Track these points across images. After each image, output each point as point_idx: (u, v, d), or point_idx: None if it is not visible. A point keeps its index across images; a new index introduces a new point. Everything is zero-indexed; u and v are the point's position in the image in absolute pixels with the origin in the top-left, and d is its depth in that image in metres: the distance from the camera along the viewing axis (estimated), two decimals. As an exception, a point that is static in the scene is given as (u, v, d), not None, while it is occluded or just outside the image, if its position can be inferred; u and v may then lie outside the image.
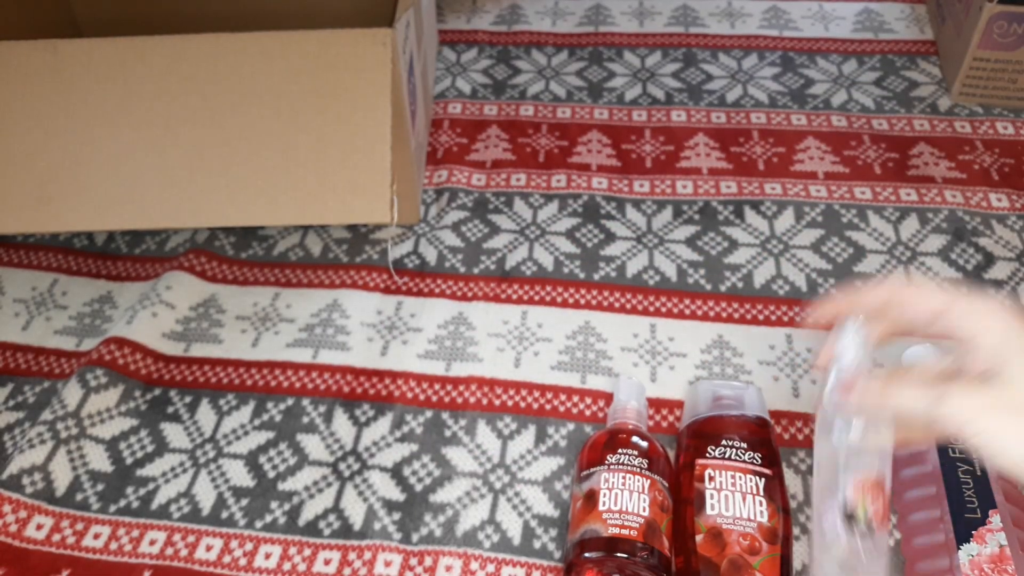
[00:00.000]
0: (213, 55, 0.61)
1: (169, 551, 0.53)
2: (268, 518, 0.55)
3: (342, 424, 0.60)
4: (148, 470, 0.58)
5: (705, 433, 0.53)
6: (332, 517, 0.55)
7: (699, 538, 0.48)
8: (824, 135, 0.78)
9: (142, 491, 0.57)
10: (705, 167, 0.76)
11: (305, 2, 0.82)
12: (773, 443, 0.52)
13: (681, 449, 0.54)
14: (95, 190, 0.60)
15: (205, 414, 0.61)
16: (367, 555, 0.53)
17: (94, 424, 0.60)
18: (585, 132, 0.80)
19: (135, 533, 0.54)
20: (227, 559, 0.53)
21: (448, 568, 0.52)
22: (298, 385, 0.62)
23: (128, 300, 0.68)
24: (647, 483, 0.49)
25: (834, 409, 0.42)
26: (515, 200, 0.74)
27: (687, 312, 0.65)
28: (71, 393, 0.60)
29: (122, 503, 0.56)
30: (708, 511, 0.49)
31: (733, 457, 0.51)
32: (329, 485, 0.57)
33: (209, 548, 0.54)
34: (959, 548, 0.46)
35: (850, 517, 0.41)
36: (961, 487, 0.48)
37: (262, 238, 0.72)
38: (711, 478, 0.50)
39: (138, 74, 0.61)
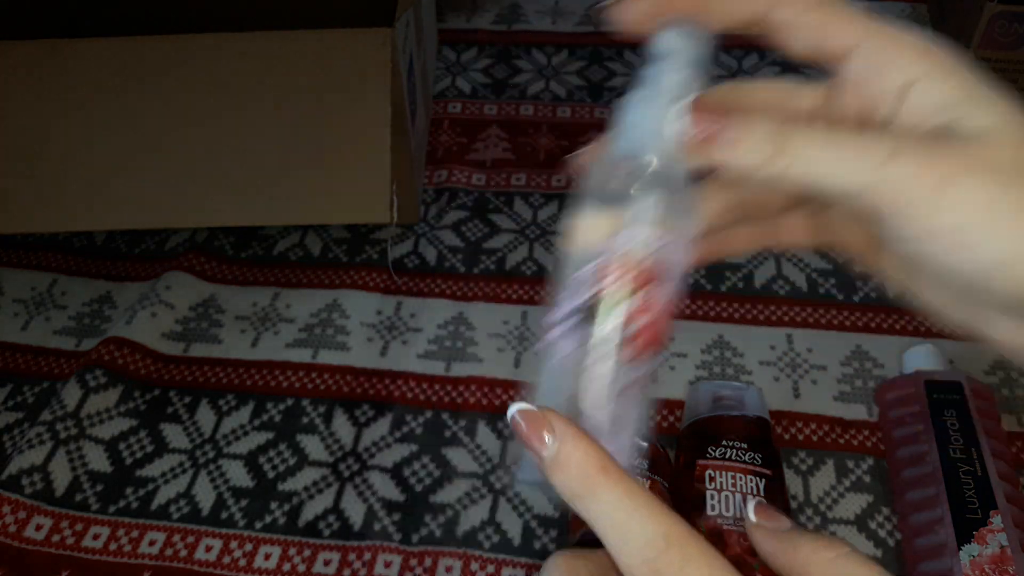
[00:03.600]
0: (213, 55, 0.61)
1: (168, 552, 0.53)
2: (268, 519, 0.55)
3: (342, 424, 0.59)
4: (147, 470, 0.58)
5: (705, 434, 0.53)
6: (332, 518, 0.55)
7: None
8: (824, 135, 0.78)
9: (141, 491, 0.57)
10: (705, 167, 0.76)
11: (305, 2, 0.82)
12: (773, 444, 0.52)
13: (681, 450, 0.54)
14: (95, 190, 0.60)
15: (205, 414, 0.61)
16: (367, 556, 0.53)
17: (93, 424, 0.59)
18: (585, 132, 0.80)
19: (135, 534, 0.54)
20: (227, 560, 0.53)
21: (448, 569, 0.52)
22: (298, 385, 0.62)
23: (127, 300, 0.68)
24: (647, 483, 0.49)
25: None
26: (515, 200, 0.74)
27: (688, 312, 0.65)
28: (70, 393, 0.60)
29: (121, 503, 0.56)
30: (708, 512, 0.49)
31: (733, 458, 0.50)
32: (329, 485, 0.56)
33: (209, 549, 0.54)
34: (960, 549, 0.46)
35: (590, 311, 0.24)
36: (962, 487, 0.48)
37: (262, 238, 0.72)
38: (711, 479, 0.50)
39: (138, 74, 0.61)
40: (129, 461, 0.58)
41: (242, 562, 0.53)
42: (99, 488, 0.57)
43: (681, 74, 0.25)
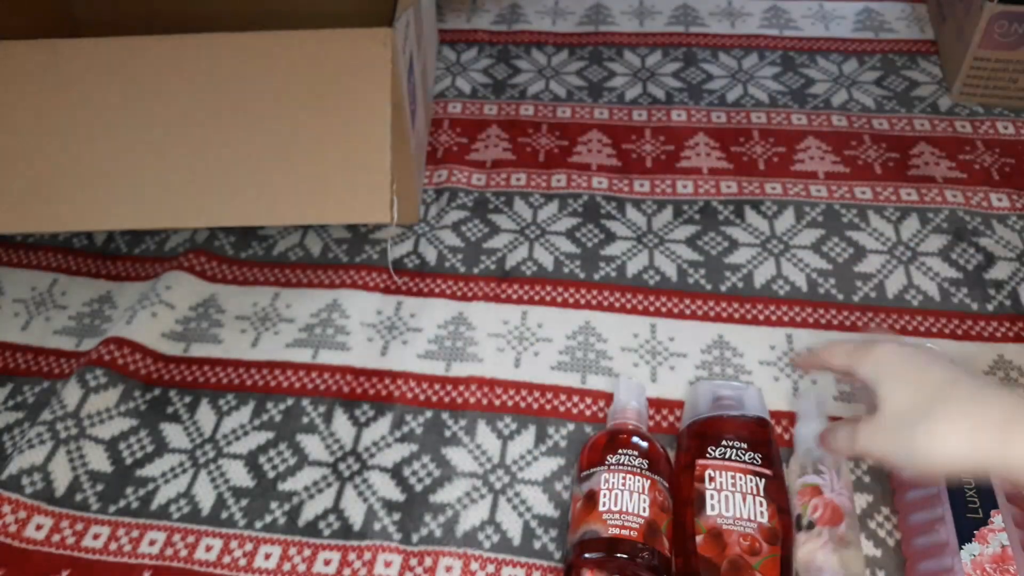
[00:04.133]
0: (213, 55, 0.61)
1: (169, 551, 0.53)
2: (268, 518, 0.55)
3: (342, 424, 0.59)
4: (148, 470, 0.58)
5: (705, 433, 0.53)
6: (332, 517, 0.55)
7: (699, 539, 0.48)
8: (824, 135, 0.78)
9: (142, 491, 0.57)
10: (705, 167, 0.76)
11: (305, 2, 0.82)
12: (773, 443, 0.52)
13: (681, 449, 0.54)
14: (95, 190, 0.60)
15: (205, 414, 0.61)
16: (367, 555, 0.53)
17: (93, 424, 0.59)
18: (585, 132, 0.80)
19: (135, 533, 0.54)
20: (227, 559, 0.53)
21: (448, 568, 0.52)
22: (298, 385, 0.62)
23: (128, 300, 0.68)
24: (647, 483, 0.49)
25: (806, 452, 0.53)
26: (515, 200, 0.74)
27: (687, 312, 0.65)
28: (70, 393, 0.60)
29: (122, 503, 0.56)
30: (708, 511, 0.48)
31: (733, 457, 0.50)
32: (329, 485, 0.56)
33: (209, 548, 0.54)
34: (961, 548, 0.46)
35: (798, 518, 0.50)
36: (963, 487, 0.48)
37: (262, 238, 0.72)
38: (711, 478, 0.50)
39: (138, 74, 0.61)
40: (129, 461, 0.58)
41: (242, 562, 0.53)
42: (99, 488, 0.57)
43: (818, 407, 0.56)
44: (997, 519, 0.46)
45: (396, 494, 0.56)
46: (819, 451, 0.52)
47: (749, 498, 0.49)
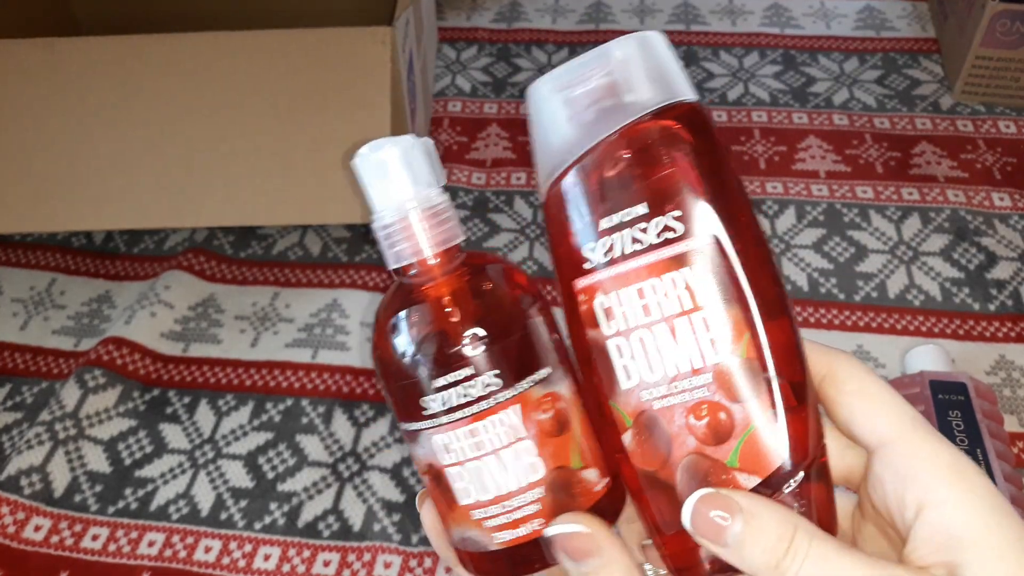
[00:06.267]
0: (212, 54, 0.61)
1: (168, 552, 0.53)
2: (267, 519, 0.55)
3: (341, 425, 0.59)
4: (147, 471, 0.57)
5: (568, 207, 0.27)
6: (331, 518, 0.55)
7: (627, 438, 0.26)
8: (826, 134, 0.78)
9: (141, 492, 0.56)
10: (706, 166, 0.76)
11: (305, 1, 0.81)
12: (705, 170, 0.25)
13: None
14: (93, 189, 0.60)
15: (204, 415, 0.60)
16: (366, 556, 0.53)
17: (92, 425, 0.59)
18: (586, 131, 0.80)
19: (134, 534, 0.54)
20: (226, 560, 0.53)
21: (448, 569, 0.52)
22: (297, 385, 0.62)
23: (127, 300, 0.68)
24: (515, 418, 0.26)
25: None
26: (515, 199, 0.74)
27: (688, 312, 0.65)
28: (69, 394, 0.60)
29: (121, 504, 0.56)
30: (623, 383, 0.26)
31: (628, 249, 0.25)
32: (328, 486, 0.56)
33: (208, 549, 0.53)
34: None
35: None
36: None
37: (261, 237, 0.72)
38: (608, 312, 0.26)
39: (137, 73, 0.61)
40: (128, 461, 0.58)
41: (241, 563, 0.53)
42: (98, 489, 0.57)
43: None
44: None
45: (396, 495, 0.56)
46: None
47: (683, 322, 0.25)
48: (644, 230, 0.25)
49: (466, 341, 0.26)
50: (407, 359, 0.27)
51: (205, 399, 0.61)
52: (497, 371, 0.26)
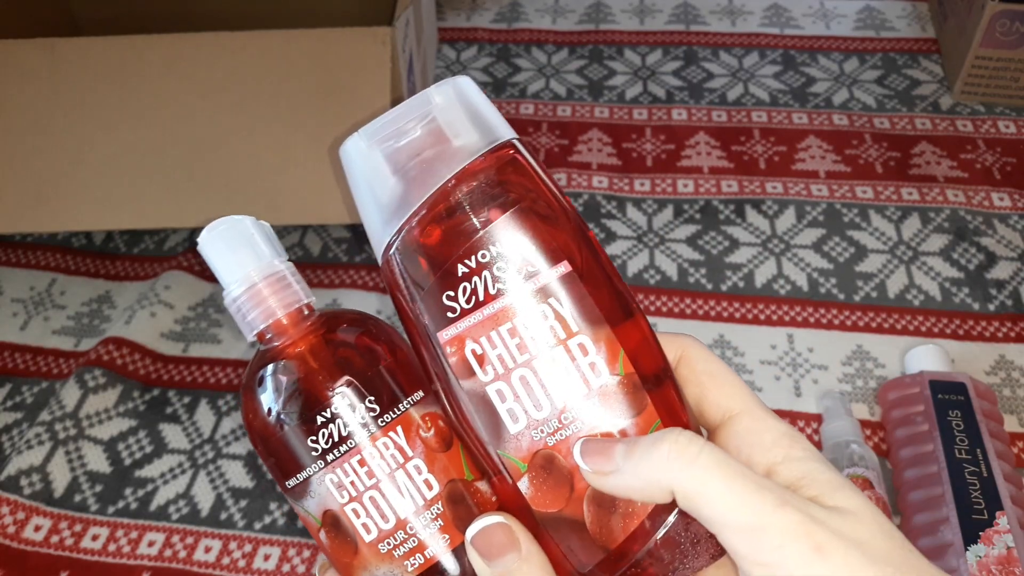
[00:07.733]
0: (212, 54, 0.61)
1: (168, 552, 0.53)
2: (267, 519, 0.55)
3: (342, 425, 0.59)
4: (147, 471, 0.57)
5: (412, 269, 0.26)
6: (332, 518, 0.55)
7: (524, 484, 0.25)
8: (825, 134, 0.78)
9: (141, 492, 0.56)
10: (706, 166, 0.76)
11: (305, 1, 0.81)
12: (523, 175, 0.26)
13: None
14: (93, 189, 0.60)
15: (204, 415, 0.60)
16: (367, 556, 0.53)
17: (92, 425, 0.59)
18: (585, 131, 0.80)
19: (134, 534, 0.54)
20: (226, 560, 0.53)
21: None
22: (298, 385, 0.62)
23: (127, 300, 0.68)
24: (400, 439, 0.27)
25: None
26: (515, 199, 0.74)
27: (688, 312, 0.65)
28: (69, 394, 0.60)
29: (121, 504, 0.56)
30: (510, 428, 0.25)
31: (492, 290, 0.25)
32: (329, 486, 0.56)
33: (208, 549, 0.53)
34: (967, 549, 0.45)
35: None
36: (968, 488, 0.48)
37: (261, 237, 0.72)
38: (480, 358, 0.25)
39: (137, 73, 0.61)
40: (128, 461, 0.58)
41: (241, 563, 0.53)
42: (98, 489, 0.56)
43: (843, 402, 0.55)
44: (1003, 520, 0.46)
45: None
46: (860, 448, 0.50)
47: (561, 353, 0.25)
48: (502, 269, 0.25)
49: (336, 382, 0.27)
50: (281, 410, 0.28)
51: (205, 399, 0.61)
52: (372, 398, 0.27)
